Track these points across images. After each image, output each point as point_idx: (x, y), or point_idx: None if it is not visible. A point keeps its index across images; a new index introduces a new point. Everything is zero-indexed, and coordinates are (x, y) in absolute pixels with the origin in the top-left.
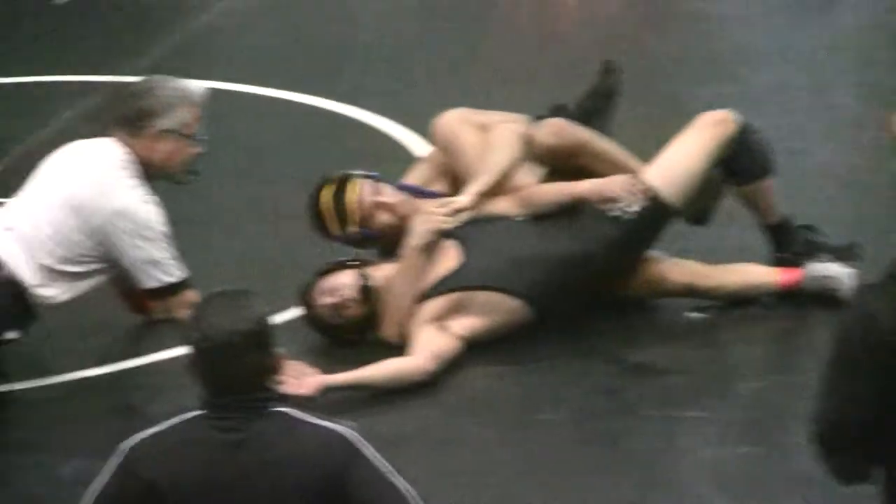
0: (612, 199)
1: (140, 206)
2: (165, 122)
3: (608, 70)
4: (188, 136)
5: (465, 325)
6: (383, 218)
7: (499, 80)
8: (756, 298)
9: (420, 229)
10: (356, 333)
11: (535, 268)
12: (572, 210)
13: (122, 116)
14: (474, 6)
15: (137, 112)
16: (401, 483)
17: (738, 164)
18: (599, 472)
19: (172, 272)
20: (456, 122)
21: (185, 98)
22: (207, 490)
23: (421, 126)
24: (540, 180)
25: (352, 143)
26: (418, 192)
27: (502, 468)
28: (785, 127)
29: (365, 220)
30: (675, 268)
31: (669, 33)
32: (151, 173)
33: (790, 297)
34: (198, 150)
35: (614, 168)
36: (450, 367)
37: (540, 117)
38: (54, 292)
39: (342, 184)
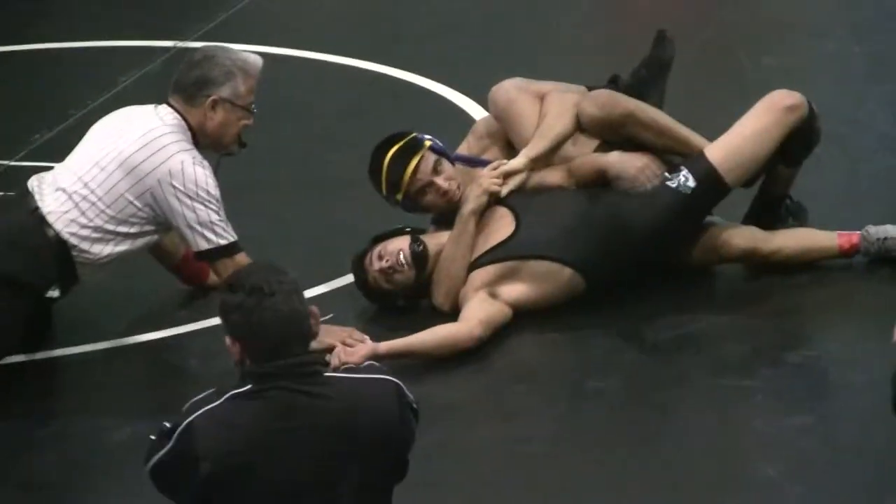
0: (627, 178)
1: (192, 167)
2: (221, 92)
3: (661, 39)
4: (242, 108)
5: (516, 292)
6: (431, 198)
7: (561, 51)
8: (816, 262)
9: (473, 195)
10: (407, 299)
11: (589, 238)
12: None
13: (179, 84)
14: None
15: (194, 81)
16: None
17: (793, 146)
18: (648, 443)
19: (224, 234)
20: (513, 90)
21: (241, 69)
22: (270, 462)
23: (481, 95)
24: (593, 151)
25: (412, 110)
26: (473, 162)
27: (551, 437)
28: (843, 98)
29: (414, 195)
30: (737, 232)
31: (734, 3)
32: (203, 142)
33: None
34: (251, 121)
35: (664, 138)
36: (500, 335)
37: (590, 88)
38: (103, 250)
39: (407, 149)
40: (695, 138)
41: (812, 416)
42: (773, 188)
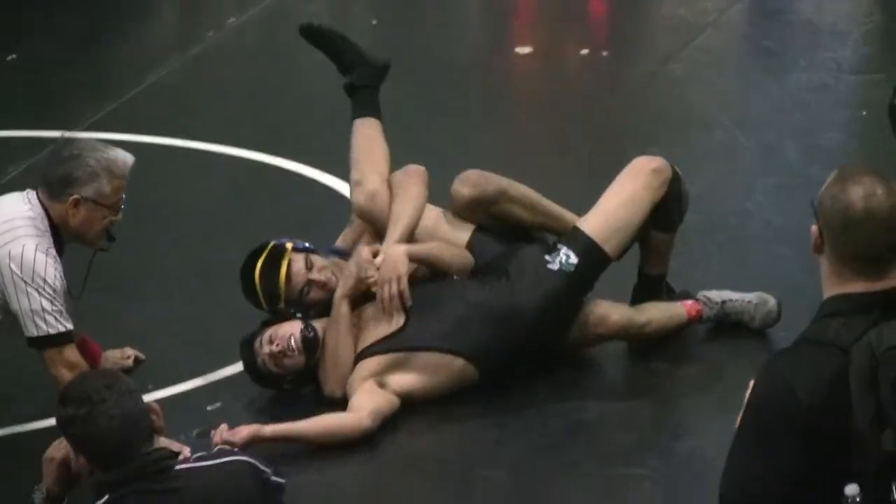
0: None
1: (33, 254)
2: (84, 192)
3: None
4: (107, 206)
5: (406, 382)
6: (314, 295)
7: (451, 143)
8: (678, 332)
9: (343, 280)
10: (294, 384)
11: (481, 327)
12: (510, 265)
13: (45, 178)
14: (434, 73)
15: (59, 178)
16: None
17: (663, 211)
18: None
19: (55, 324)
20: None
21: (107, 169)
22: None
23: None
24: (470, 235)
25: (296, 197)
26: (346, 255)
27: None
28: (733, 187)
29: (294, 298)
30: (611, 308)
31: (623, 96)
32: (66, 236)
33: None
34: (116, 218)
35: (537, 214)
36: (388, 422)
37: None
38: None
39: (272, 259)
40: (567, 213)
41: None
42: (650, 268)
